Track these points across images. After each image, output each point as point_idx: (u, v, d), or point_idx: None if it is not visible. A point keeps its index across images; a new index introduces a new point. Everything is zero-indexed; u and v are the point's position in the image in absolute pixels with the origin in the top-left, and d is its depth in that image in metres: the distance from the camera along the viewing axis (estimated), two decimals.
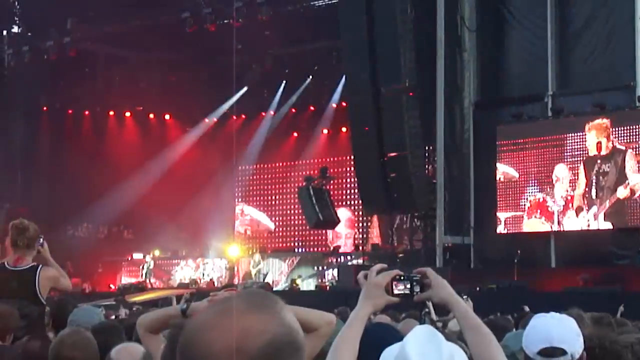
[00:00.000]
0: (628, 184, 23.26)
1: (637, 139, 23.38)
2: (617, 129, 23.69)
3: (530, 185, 25.31)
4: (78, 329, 4.92)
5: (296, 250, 34.65)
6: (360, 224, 33.23)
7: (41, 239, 7.05)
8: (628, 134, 23.53)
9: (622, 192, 23.39)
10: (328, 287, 27.69)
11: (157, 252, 34.67)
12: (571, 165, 24.50)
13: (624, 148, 23.51)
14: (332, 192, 29.60)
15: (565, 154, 24.65)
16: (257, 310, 1.71)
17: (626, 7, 24.10)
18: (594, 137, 23.93)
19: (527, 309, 14.33)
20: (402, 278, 3.26)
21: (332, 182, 30.41)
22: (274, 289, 28.49)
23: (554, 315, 3.54)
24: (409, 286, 3.26)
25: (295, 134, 36.73)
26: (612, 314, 8.57)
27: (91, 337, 4.52)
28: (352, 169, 29.14)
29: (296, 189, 30.53)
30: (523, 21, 26.39)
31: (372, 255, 29.14)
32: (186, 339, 1.71)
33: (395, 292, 3.25)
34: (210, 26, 30.93)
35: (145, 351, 4.07)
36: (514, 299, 17.89)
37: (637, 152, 23.32)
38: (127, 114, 37.32)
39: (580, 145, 24.35)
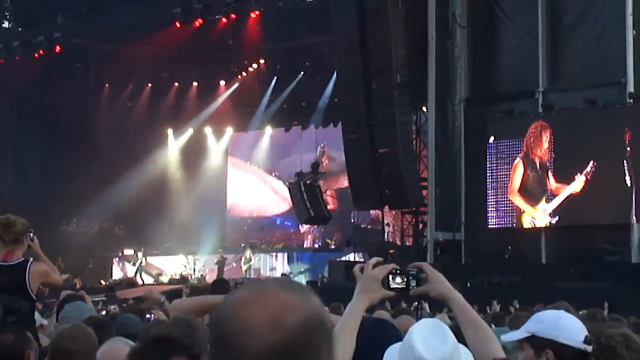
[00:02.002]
0: (625, 179, 23.29)
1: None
2: (606, 125, 23.73)
3: (522, 179, 25.32)
4: (78, 323, 4.93)
5: (287, 246, 34.66)
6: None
7: (31, 234, 7.04)
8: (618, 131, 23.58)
9: (622, 187, 23.42)
10: (319, 283, 27.69)
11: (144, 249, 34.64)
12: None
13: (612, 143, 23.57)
14: None
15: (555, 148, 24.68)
16: (292, 290, 1.71)
17: (617, 4, 24.12)
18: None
19: (516, 304, 14.39)
20: (398, 272, 3.25)
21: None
22: None
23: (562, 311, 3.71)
24: (405, 280, 3.25)
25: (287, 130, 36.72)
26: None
27: (91, 332, 4.55)
28: None
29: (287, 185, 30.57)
30: (514, 18, 26.40)
31: (362, 251, 29.14)
32: (221, 314, 1.70)
33: (392, 286, 3.23)
34: (201, 22, 30.89)
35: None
36: (505, 294, 17.92)
37: (626, 148, 23.34)
38: (119, 109, 37.23)
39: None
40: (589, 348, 3.45)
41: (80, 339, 4.47)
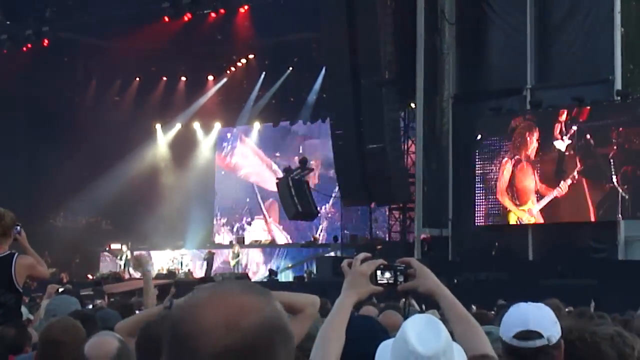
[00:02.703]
0: (612, 176, 23.36)
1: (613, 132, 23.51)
2: (594, 122, 23.81)
3: (509, 175, 25.38)
4: (68, 317, 4.98)
5: (275, 241, 34.66)
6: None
7: (18, 227, 7.02)
8: (606, 128, 23.66)
9: (607, 184, 23.50)
10: (306, 279, 27.71)
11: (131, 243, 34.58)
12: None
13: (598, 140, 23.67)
14: None
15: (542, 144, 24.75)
16: (251, 292, 1.69)
17: (605, 1, 24.19)
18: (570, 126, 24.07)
19: (502, 302, 14.42)
20: (386, 267, 3.25)
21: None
22: (253, 279, 28.47)
23: (531, 304, 3.57)
24: (393, 275, 3.25)
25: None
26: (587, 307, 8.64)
27: (79, 325, 4.61)
28: None
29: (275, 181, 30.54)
30: (503, 14, 26.43)
31: (349, 247, 29.17)
32: (177, 316, 1.68)
33: (380, 281, 3.23)
34: (190, 16, 30.84)
35: (121, 345, 4.08)
36: (491, 291, 17.96)
37: (613, 145, 23.42)
38: (106, 103, 37.13)
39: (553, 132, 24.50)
40: (521, 343, 3.42)
41: (69, 330, 4.53)
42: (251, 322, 1.63)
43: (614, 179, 23.23)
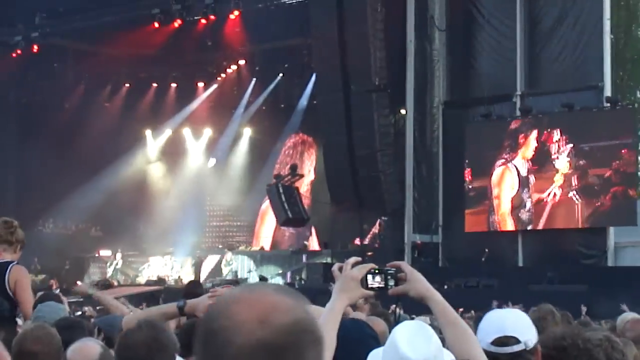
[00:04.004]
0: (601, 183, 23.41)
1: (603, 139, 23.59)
2: (583, 128, 23.88)
3: (500, 182, 25.42)
4: (42, 324, 4.91)
5: (264, 247, 34.61)
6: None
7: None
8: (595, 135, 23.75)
9: (596, 190, 23.56)
10: (296, 285, 27.66)
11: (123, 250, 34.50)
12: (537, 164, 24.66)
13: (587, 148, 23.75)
14: None
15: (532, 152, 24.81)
16: (285, 293, 1.74)
17: (595, 8, 24.26)
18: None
19: (495, 303, 14.44)
20: (377, 271, 3.24)
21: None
22: None
23: (507, 309, 3.59)
24: (383, 280, 3.24)
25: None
26: (576, 313, 8.66)
27: (55, 333, 4.52)
28: None
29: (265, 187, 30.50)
30: (493, 21, 26.51)
31: (339, 253, 29.12)
32: (211, 311, 1.72)
33: (370, 285, 3.23)
34: (180, 22, 30.82)
35: (103, 350, 4.06)
36: (481, 297, 17.98)
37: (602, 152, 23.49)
38: (96, 109, 37.06)
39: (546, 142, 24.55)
40: (499, 349, 3.42)
41: (43, 339, 4.42)
42: (283, 319, 1.67)
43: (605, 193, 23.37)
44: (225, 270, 31.68)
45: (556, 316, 6.10)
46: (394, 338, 2.89)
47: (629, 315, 6.90)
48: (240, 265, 32.46)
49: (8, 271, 6.76)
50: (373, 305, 7.63)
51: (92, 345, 3.99)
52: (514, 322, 3.50)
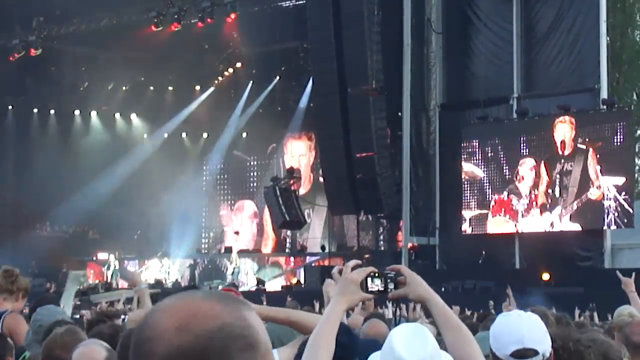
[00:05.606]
0: (599, 185, 23.36)
1: (599, 141, 23.59)
2: (580, 131, 23.89)
3: (495, 183, 25.43)
4: (73, 327, 4.89)
5: (262, 250, 34.61)
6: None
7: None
8: (591, 136, 23.75)
9: (594, 193, 23.51)
10: (293, 288, 27.66)
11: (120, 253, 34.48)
12: (535, 164, 24.65)
13: (584, 147, 23.72)
14: None
15: (529, 152, 24.82)
16: (216, 300, 1.70)
17: (591, 11, 24.29)
18: (560, 135, 24.11)
19: (491, 303, 14.46)
20: (376, 275, 3.26)
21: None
22: (241, 289, 28.43)
23: (520, 314, 3.54)
24: (383, 283, 3.25)
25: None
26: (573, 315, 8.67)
27: (84, 336, 4.55)
28: None
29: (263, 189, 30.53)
30: (489, 24, 26.53)
31: (337, 255, 29.15)
32: (140, 322, 1.72)
33: (370, 288, 3.23)
34: (177, 26, 30.81)
35: (109, 354, 4.04)
36: (478, 299, 17.98)
37: (599, 154, 23.49)
38: (93, 113, 37.09)
39: (543, 144, 24.56)
40: None
41: (71, 345, 4.41)
42: (204, 327, 1.65)
43: (598, 188, 23.35)
44: (223, 273, 31.68)
45: (549, 319, 6.11)
46: (391, 340, 2.92)
47: (626, 310, 6.82)
48: (239, 268, 32.45)
49: (1, 321, 6.75)
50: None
51: (97, 349, 3.98)
52: (531, 332, 3.46)
